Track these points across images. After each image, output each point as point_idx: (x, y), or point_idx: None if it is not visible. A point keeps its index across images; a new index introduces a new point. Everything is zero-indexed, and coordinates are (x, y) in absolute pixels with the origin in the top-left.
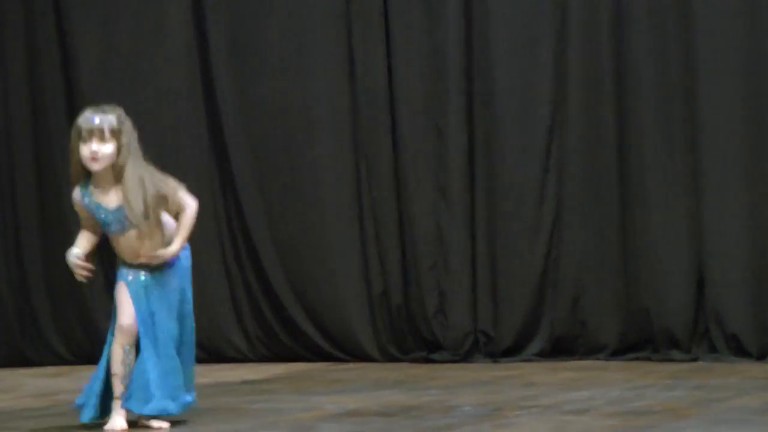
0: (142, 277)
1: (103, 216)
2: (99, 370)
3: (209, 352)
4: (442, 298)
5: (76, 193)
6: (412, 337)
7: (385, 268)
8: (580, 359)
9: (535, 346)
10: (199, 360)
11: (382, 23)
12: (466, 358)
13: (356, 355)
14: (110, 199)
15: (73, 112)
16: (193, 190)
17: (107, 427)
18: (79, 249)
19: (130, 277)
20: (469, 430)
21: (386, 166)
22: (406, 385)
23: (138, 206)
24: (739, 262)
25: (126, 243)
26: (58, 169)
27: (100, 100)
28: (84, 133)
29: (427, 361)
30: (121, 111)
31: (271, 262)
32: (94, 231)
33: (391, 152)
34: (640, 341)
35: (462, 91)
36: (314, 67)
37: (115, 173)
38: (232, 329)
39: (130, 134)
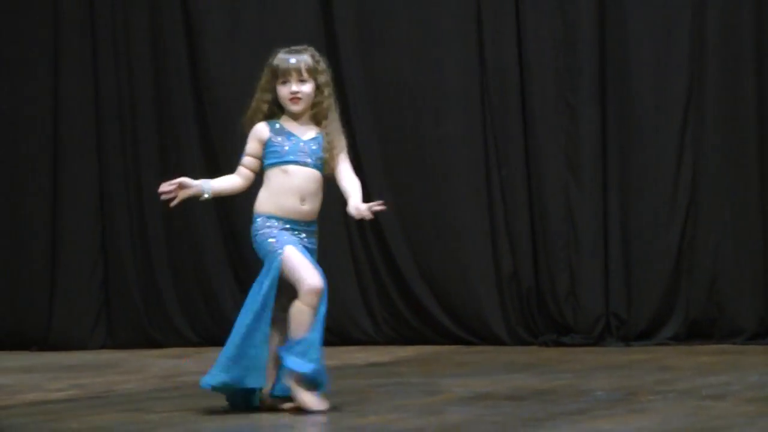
0: (301, 239)
1: (291, 146)
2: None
3: (336, 334)
4: (573, 279)
5: (259, 126)
6: (542, 319)
7: (514, 248)
8: (716, 343)
9: (669, 329)
10: (327, 342)
11: None
12: (598, 341)
13: (485, 337)
14: (304, 132)
15: (198, 91)
16: None
17: (310, 405)
18: (215, 183)
19: (295, 239)
20: (601, 414)
21: (516, 144)
22: (537, 368)
23: (340, 148)
24: None
25: (300, 182)
26: (182, 153)
27: (225, 77)
28: (281, 74)
29: (558, 344)
30: (313, 50)
31: (398, 243)
32: (251, 169)
33: (522, 130)
34: None
35: (594, 67)
36: (442, 43)
37: (315, 113)
38: (359, 311)
39: (326, 73)
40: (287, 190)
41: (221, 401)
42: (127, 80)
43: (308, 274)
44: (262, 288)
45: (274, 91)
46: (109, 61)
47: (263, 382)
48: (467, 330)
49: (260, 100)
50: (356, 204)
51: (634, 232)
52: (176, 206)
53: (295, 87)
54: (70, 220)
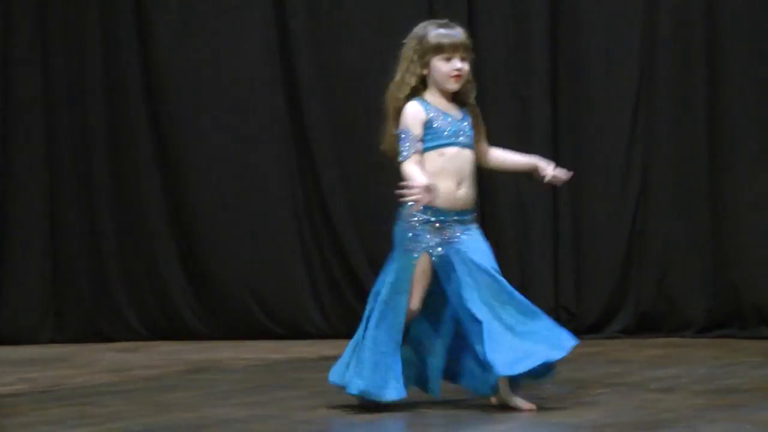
0: (458, 235)
1: (449, 127)
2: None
3: (287, 327)
4: (523, 274)
5: (416, 105)
6: None
7: None
8: (666, 336)
9: (619, 322)
10: (278, 336)
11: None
12: None
13: None
14: (454, 111)
15: (149, 84)
16: (270, 164)
17: (525, 407)
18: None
19: (446, 235)
20: (551, 407)
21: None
22: None
23: (484, 130)
24: None
25: (459, 164)
26: (133, 146)
27: (176, 70)
28: (446, 49)
29: None
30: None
31: (349, 236)
32: (420, 154)
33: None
34: (728, 318)
35: (546, 60)
36: (395, 35)
37: (462, 92)
38: (310, 305)
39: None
40: (445, 174)
41: (167, 395)
42: (77, 73)
43: (417, 295)
44: (393, 302)
45: (425, 66)
46: (59, 52)
47: (404, 393)
48: None
49: (410, 73)
50: (547, 165)
51: (584, 226)
52: (126, 198)
53: (459, 64)
54: (17, 212)
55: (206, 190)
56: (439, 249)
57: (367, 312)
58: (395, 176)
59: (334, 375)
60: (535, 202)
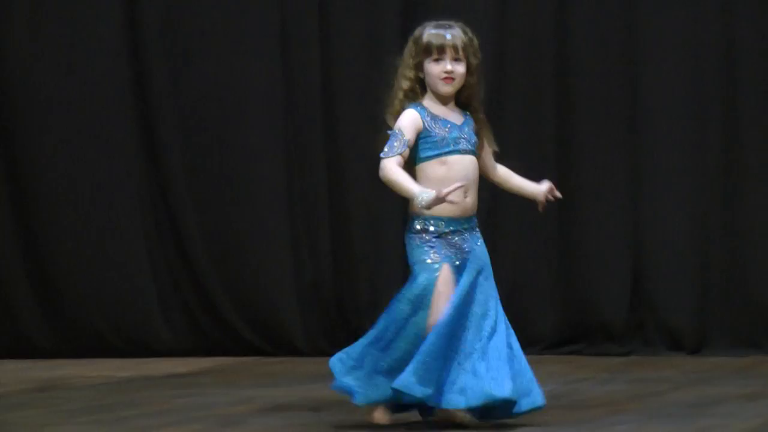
0: (470, 243)
1: (448, 134)
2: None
3: (135, 345)
4: (374, 289)
5: (413, 113)
6: (342, 330)
7: (316, 259)
8: None
9: None
10: (126, 353)
11: (315, 5)
12: None
13: (286, 349)
14: (454, 116)
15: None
16: (119, 181)
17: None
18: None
19: (465, 247)
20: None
21: (320, 156)
22: None
23: (490, 138)
24: (675, 256)
25: (463, 172)
26: None
27: (26, 84)
28: (434, 50)
29: None
30: (464, 25)
31: (198, 254)
32: (405, 161)
33: (324, 139)
34: (575, 335)
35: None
36: (248, 54)
37: (465, 96)
38: (158, 322)
39: (478, 53)
40: (449, 183)
41: (10, 414)
42: None
43: (439, 310)
44: (417, 317)
45: (419, 69)
46: None
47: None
48: (268, 341)
49: (403, 77)
50: (542, 186)
51: None
52: None
53: (449, 66)
54: None
55: (54, 207)
56: (456, 262)
57: (381, 326)
58: (244, 193)
59: (337, 365)
60: (386, 219)
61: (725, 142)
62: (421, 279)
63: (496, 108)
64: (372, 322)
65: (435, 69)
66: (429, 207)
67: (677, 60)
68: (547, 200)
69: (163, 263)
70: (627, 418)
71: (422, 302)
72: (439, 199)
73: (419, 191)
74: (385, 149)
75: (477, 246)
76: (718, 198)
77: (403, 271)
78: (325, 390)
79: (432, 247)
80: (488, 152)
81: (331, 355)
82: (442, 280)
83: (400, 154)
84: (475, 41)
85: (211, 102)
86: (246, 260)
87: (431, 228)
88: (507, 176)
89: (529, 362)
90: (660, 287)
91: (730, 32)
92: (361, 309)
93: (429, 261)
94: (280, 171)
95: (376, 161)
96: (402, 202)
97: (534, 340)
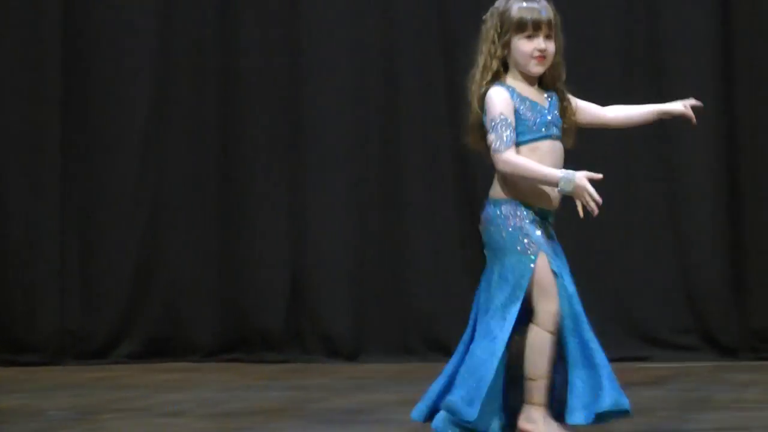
0: (551, 235)
1: (539, 117)
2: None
3: None
4: (30, 296)
5: (503, 91)
6: None
7: None
8: (174, 361)
9: (126, 347)
10: None
11: None
12: (55, 360)
13: None
14: (541, 98)
15: None
16: None
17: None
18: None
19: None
20: None
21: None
22: None
23: (572, 110)
24: (335, 263)
25: (554, 159)
26: None
27: None
28: (529, 26)
29: (14, 363)
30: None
31: None
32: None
33: None
34: (235, 342)
35: (60, 84)
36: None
37: (547, 78)
38: None
39: (561, 32)
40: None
41: None
42: None
43: (553, 294)
44: (508, 311)
45: (506, 46)
46: None
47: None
48: None
49: (491, 55)
50: (676, 104)
51: (94, 249)
52: None
53: (543, 44)
54: None
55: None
56: (549, 255)
57: (469, 332)
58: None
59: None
60: (43, 227)
61: (384, 152)
62: (515, 271)
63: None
64: (28, 329)
65: (527, 47)
66: (571, 193)
67: (340, 72)
68: (698, 112)
69: None
70: (286, 425)
71: (515, 295)
72: (583, 188)
73: (563, 174)
74: (496, 143)
75: (558, 245)
76: (374, 208)
77: (60, 276)
78: None
79: (528, 234)
80: (587, 104)
81: None
82: (541, 264)
83: (511, 144)
84: (559, 17)
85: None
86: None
87: (524, 213)
88: (626, 110)
89: (189, 370)
90: (318, 295)
91: (389, 43)
92: (15, 316)
93: (524, 249)
94: None
95: (37, 163)
96: None
97: (194, 347)
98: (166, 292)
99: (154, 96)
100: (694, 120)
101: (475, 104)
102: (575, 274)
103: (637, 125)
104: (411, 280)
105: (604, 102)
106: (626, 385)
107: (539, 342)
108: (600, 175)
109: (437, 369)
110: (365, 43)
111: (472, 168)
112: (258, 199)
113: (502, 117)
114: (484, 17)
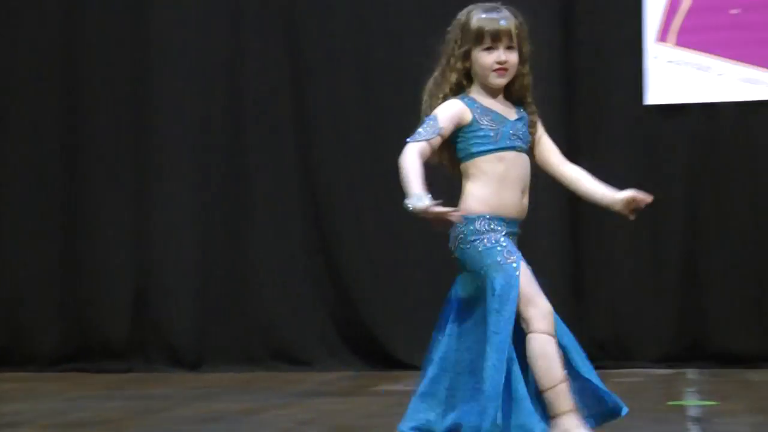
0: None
1: (502, 128)
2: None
3: None
4: None
5: (461, 104)
6: None
7: None
8: (14, 371)
9: None
10: None
11: None
12: None
13: None
14: (507, 110)
15: None
16: None
17: None
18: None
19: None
20: None
21: None
22: None
23: (542, 128)
24: (178, 274)
25: (520, 171)
26: None
27: None
28: (488, 37)
29: None
30: (513, 9)
31: None
32: (432, 151)
33: None
34: (77, 351)
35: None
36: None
37: (517, 88)
38: None
39: (528, 40)
40: (509, 182)
41: None
42: None
43: (541, 295)
44: (502, 316)
45: (466, 59)
46: None
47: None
48: None
49: (450, 68)
50: (624, 192)
51: None
52: None
53: (503, 55)
54: None
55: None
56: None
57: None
58: None
59: None
60: None
61: (230, 164)
62: (501, 283)
63: None
64: None
65: (487, 59)
66: (415, 213)
67: (186, 83)
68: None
69: None
70: None
71: (505, 309)
72: (430, 214)
73: (418, 192)
74: (416, 133)
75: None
76: (218, 217)
77: None
78: None
79: (505, 246)
80: (551, 147)
81: None
82: (526, 275)
83: (428, 140)
84: (525, 26)
85: None
86: None
87: (498, 226)
88: (578, 177)
89: (29, 380)
90: (162, 305)
91: (237, 47)
92: None
93: (505, 261)
94: None
95: None
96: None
97: (34, 356)
98: (5, 301)
99: None
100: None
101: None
102: (418, 284)
103: (582, 197)
104: (255, 290)
105: None
106: None
107: (541, 347)
108: (444, 213)
109: (281, 378)
110: (212, 48)
111: (318, 177)
112: (101, 208)
113: (434, 117)
114: (448, 28)
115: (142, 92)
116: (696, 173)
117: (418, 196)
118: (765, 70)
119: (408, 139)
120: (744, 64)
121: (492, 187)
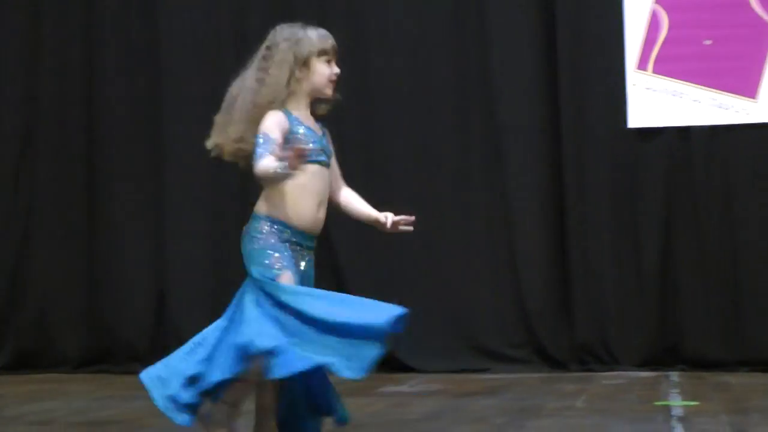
0: (306, 263)
1: (313, 142)
2: None
3: None
4: None
5: (280, 115)
6: None
7: None
8: (44, 372)
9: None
10: None
11: None
12: None
13: None
14: (314, 125)
15: None
16: None
17: None
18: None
19: (302, 264)
20: None
21: None
22: None
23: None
24: (198, 279)
25: (320, 185)
26: None
27: None
28: (327, 53)
29: None
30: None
31: None
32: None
33: None
34: (103, 355)
35: None
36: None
37: (319, 109)
38: None
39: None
40: (307, 193)
41: None
42: None
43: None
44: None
45: (291, 73)
46: None
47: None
48: None
49: (293, 78)
50: (387, 215)
51: None
52: None
53: (337, 69)
54: None
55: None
56: (295, 276)
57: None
58: None
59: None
60: None
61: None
62: (259, 281)
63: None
64: None
65: (327, 70)
66: (290, 169)
67: (199, 90)
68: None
69: None
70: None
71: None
72: (288, 157)
73: (275, 163)
74: (258, 153)
75: (311, 270)
76: (235, 224)
77: None
78: None
79: (277, 252)
80: (338, 172)
81: None
82: (285, 282)
83: (270, 153)
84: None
85: None
86: None
87: (280, 232)
88: (350, 199)
89: (59, 381)
90: (181, 310)
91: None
92: None
93: (270, 265)
94: None
95: None
96: None
97: (64, 359)
98: (37, 309)
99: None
100: (388, 227)
101: (246, 116)
102: (424, 295)
103: (357, 220)
104: None
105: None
106: (469, 393)
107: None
108: (297, 150)
109: None
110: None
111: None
112: (123, 222)
113: (266, 134)
114: (268, 44)
115: (158, 102)
116: (672, 190)
117: (281, 164)
118: (735, 96)
119: (253, 162)
120: (716, 90)
121: (285, 195)
